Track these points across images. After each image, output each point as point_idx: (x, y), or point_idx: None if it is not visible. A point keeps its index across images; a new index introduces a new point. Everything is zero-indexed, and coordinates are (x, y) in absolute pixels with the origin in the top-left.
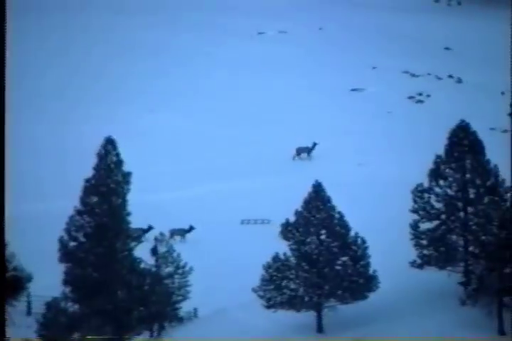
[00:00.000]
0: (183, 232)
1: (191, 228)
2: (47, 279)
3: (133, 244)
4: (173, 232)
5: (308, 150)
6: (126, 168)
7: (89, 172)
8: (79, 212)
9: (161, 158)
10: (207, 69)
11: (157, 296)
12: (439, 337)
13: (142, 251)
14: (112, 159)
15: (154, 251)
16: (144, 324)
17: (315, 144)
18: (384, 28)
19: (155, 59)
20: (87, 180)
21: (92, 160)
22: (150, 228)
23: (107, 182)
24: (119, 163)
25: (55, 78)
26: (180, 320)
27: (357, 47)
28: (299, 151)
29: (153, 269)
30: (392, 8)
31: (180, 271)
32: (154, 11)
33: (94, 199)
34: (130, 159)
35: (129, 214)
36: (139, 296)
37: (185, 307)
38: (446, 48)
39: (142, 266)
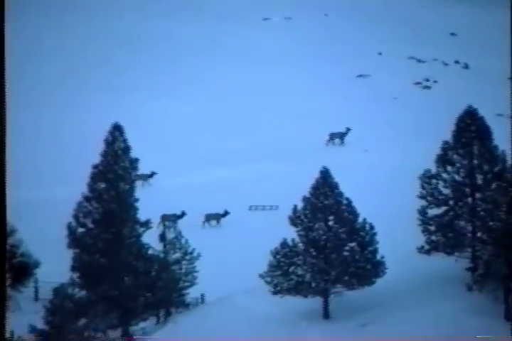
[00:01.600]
0: (218, 217)
1: (226, 213)
2: (52, 265)
3: (141, 230)
4: (209, 217)
5: (342, 136)
6: (132, 154)
7: (91, 160)
8: (87, 198)
9: (167, 145)
10: (212, 55)
11: (164, 282)
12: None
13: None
14: (119, 145)
15: (162, 237)
16: (150, 310)
17: (348, 129)
18: (389, 14)
19: (159, 46)
20: (95, 166)
21: (95, 148)
22: (183, 214)
23: (115, 168)
24: (127, 149)
25: (57, 66)
26: (187, 306)
27: (362, 33)
28: (333, 136)
29: (161, 255)
30: None
31: (187, 257)
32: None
33: (102, 185)
34: (134, 146)
35: (136, 200)
36: (146, 282)
37: (192, 293)
38: (452, 34)
39: (150, 252)
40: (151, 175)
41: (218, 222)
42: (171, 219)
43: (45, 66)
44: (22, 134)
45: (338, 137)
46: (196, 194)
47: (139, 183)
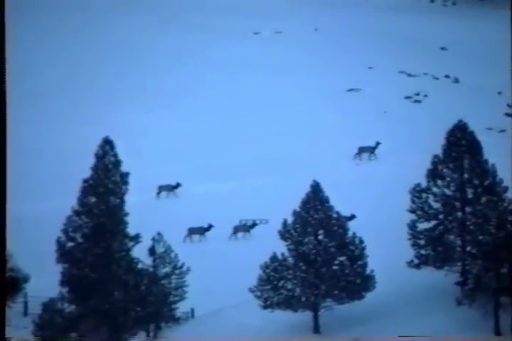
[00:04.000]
0: (247, 228)
1: (254, 224)
2: (43, 279)
3: (130, 244)
4: (237, 229)
5: (372, 150)
6: (123, 168)
7: (88, 173)
8: (77, 213)
9: (158, 158)
10: (203, 69)
11: (154, 296)
12: (435, 338)
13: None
14: (109, 159)
15: (152, 252)
16: (140, 324)
17: (378, 143)
18: (380, 28)
19: (151, 60)
20: (85, 181)
21: (91, 161)
22: (210, 226)
23: (105, 182)
24: (117, 163)
25: (53, 79)
26: (177, 320)
27: (353, 48)
28: (361, 150)
29: (151, 269)
30: (387, 8)
31: (177, 272)
32: (150, 12)
33: (92, 199)
34: (127, 160)
35: (126, 214)
36: (135, 296)
37: (182, 308)
38: (442, 48)
39: (139, 266)
40: (176, 186)
41: (247, 232)
42: (198, 232)
43: (42, 78)
44: (21, 146)
45: (368, 151)
46: (188, 208)
47: (163, 194)
